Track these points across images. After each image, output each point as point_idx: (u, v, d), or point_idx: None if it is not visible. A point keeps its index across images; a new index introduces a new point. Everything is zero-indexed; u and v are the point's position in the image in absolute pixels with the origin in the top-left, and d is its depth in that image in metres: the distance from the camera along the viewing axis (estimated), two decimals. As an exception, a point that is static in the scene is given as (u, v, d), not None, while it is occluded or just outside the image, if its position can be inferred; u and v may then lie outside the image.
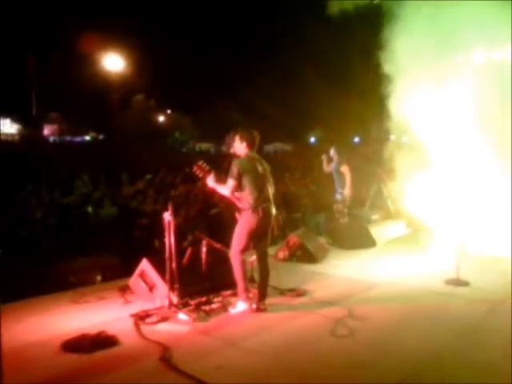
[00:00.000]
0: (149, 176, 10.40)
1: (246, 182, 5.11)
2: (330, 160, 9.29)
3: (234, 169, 5.10)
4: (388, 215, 10.71)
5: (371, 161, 13.35)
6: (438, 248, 7.54)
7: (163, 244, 5.22)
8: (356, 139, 34.68)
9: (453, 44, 7.38)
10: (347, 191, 8.91)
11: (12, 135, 45.53)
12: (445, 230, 7.29)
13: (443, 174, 7.44)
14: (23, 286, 5.73)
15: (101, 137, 48.24)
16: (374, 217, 10.60)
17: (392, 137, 12.57)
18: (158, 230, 5.66)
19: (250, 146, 5.30)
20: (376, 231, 8.75)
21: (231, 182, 5.11)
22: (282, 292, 5.75)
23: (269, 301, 5.33)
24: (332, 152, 9.18)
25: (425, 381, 3.67)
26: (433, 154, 7.87)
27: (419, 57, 7.40)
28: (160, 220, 5.34)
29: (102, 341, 4.30)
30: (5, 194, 8.09)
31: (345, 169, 8.97)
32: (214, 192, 6.26)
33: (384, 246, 8.38)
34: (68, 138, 48.07)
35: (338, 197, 9.06)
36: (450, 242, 6.50)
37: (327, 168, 9.34)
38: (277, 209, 5.45)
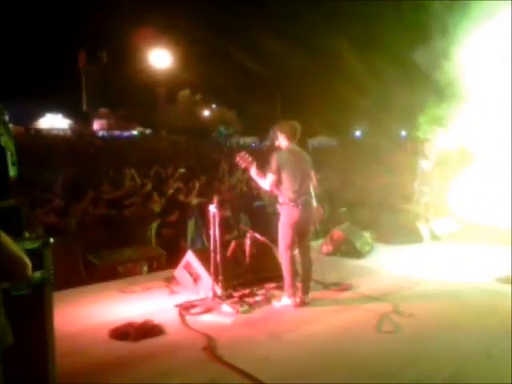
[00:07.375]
0: (182, 170, 10.60)
1: (284, 175, 5.04)
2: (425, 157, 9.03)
3: (273, 162, 5.04)
4: (437, 211, 10.44)
5: (419, 155, 13.02)
6: (489, 244, 7.30)
7: (208, 236, 5.27)
8: (403, 133, 33.89)
9: None
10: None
11: (64, 130, 47.29)
12: (496, 226, 7.06)
13: (490, 169, 7.18)
14: (75, 274, 5.93)
15: (148, 131, 49.30)
16: (422, 212, 10.35)
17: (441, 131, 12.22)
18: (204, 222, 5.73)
19: (290, 138, 5.19)
20: (423, 227, 8.52)
21: (270, 176, 5.05)
22: (326, 286, 5.68)
23: (313, 295, 5.29)
24: (427, 148, 8.91)
25: (473, 379, 3.56)
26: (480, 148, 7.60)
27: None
28: (205, 213, 5.40)
29: (147, 330, 4.39)
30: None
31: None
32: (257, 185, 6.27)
33: (432, 242, 8.17)
34: (117, 132, 49.42)
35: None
36: (502, 238, 6.27)
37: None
38: (319, 202, 5.38)
